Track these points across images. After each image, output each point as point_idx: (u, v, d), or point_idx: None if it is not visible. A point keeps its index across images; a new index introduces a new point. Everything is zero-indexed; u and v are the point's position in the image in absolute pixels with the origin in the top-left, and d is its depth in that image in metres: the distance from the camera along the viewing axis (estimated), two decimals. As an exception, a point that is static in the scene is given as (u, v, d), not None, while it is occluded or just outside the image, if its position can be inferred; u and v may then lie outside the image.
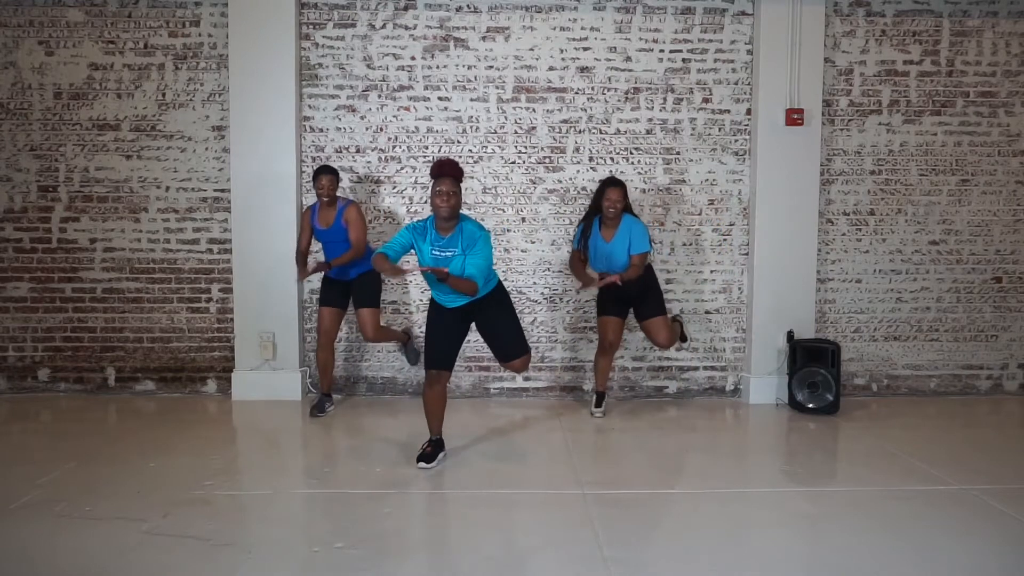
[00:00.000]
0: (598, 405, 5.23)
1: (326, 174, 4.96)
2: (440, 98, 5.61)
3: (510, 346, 4.17)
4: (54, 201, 5.60)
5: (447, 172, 3.91)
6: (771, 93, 5.49)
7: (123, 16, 5.52)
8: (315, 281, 5.61)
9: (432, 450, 4.13)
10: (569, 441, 4.53)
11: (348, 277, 5.05)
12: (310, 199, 5.58)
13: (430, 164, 5.56)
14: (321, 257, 5.20)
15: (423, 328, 5.61)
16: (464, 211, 5.61)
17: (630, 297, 5.05)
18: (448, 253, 3.93)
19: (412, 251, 4.04)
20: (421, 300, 5.67)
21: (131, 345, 5.67)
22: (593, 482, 3.89)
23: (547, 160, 5.65)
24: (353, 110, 5.60)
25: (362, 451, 4.45)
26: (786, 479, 4.09)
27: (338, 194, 5.06)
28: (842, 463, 4.48)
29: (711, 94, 5.65)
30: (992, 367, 5.88)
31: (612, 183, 4.96)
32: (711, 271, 5.73)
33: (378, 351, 5.68)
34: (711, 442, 4.75)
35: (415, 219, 5.61)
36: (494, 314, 4.15)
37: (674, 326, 5.29)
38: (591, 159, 5.66)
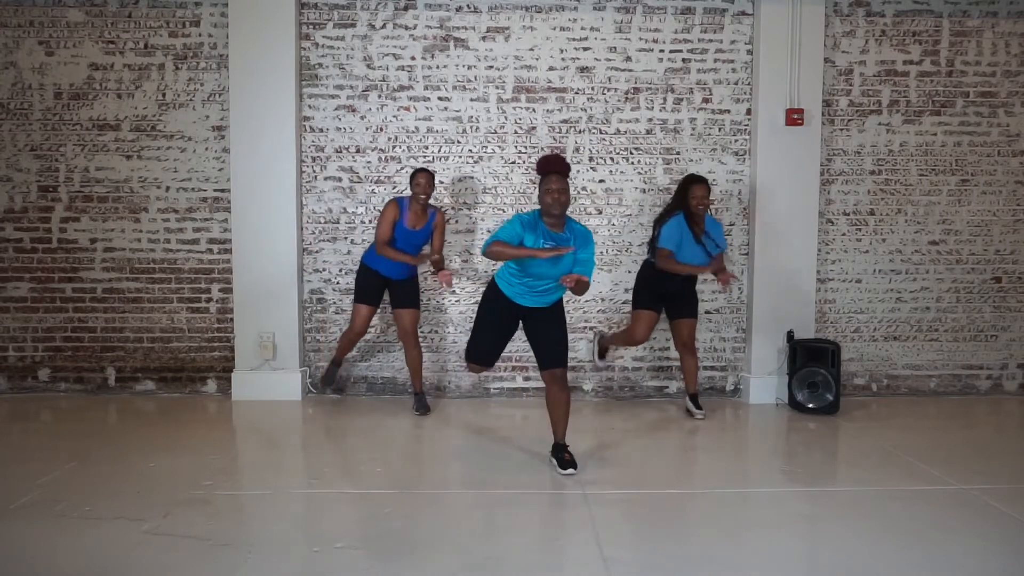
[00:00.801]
0: (602, 357, 5.46)
1: (424, 174, 4.94)
2: (440, 98, 5.61)
3: (555, 355, 4.00)
4: (54, 201, 5.60)
5: (555, 168, 3.83)
6: (771, 93, 5.49)
7: (123, 16, 5.52)
8: (316, 281, 5.62)
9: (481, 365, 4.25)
10: (569, 441, 4.52)
11: (403, 276, 5.06)
12: (311, 199, 5.59)
13: (434, 161, 5.58)
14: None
15: (421, 328, 5.62)
16: (464, 211, 5.66)
17: (673, 295, 5.05)
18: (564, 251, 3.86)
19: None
20: (422, 299, 5.66)
21: (131, 345, 5.67)
22: (593, 482, 3.89)
23: (547, 160, 5.65)
24: (353, 110, 5.60)
25: (362, 451, 4.45)
26: (786, 479, 4.09)
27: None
28: (842, 463, 4.49)
29: (711, 94, 5.65)
30: (992, 367, 5.89)
31: (698, 180, 4.92)
32: (711, 271, 5.72)
33: (379, 351, 5.68)
34: (711, 442, 4.75)
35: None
36: (549, 320, 4.02)
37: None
38: (591, 159, 5.66)
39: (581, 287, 3.76)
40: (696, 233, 4.90)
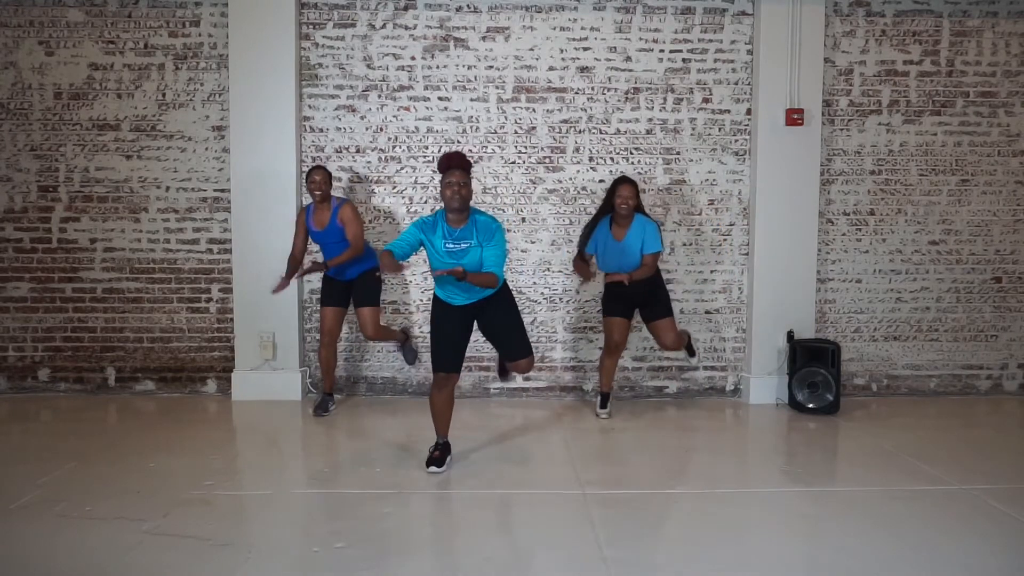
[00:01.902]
0: (603, 406, 5.21)
1: (319, 171, 4.96)
2: (440, 98, 5.61)
3: (516, 347, 4.08)
4: (54, 201, 5.60)
5: (455, 164, 3.87)
6: (771, 93, 5.49)
7: (123, 16, 5.52)
8: (315, 281, 5.61)
9: (440, 454, 4.07)
10: (569, 441, 4.53)
11: (348, 277, 5.04)
12: (310, 199, 5.58)
13: (435, 161, 5.58)
14: (319, 258, 5.20)
15: (423, 328, 5.62)
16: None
17: (636, 297, 5.02)
18: (464, 245, 3.86)
19: (421, 248, 3.94)
20: (421, 300, 5.67)
21: (131, 345, 5.67)
22: (593, 482, 3.89)
23: (547, 160, 5.65)
24: (353, 110, 5.60)
25: (362, 451, 4.45)
26: (786, 479, 4.09)
27: (332, 193, 5.05)
28: (842, 463, 4.48)
29: (711, 94, 5.65)
30: (992, 367, 5.88)
31: (623, 180, 4.96)
32: (711, 271, 5.73)
33: (378, 351, 5.68)
34: (711, 442, 4.75)
35: (416, 219, 5.63)
36: (500, 314, 4.06)
37: (682, 335, 5.28)
38: (591, 159, 5.66)
39: (471, 278, 3.74)
40: (617, 234, 4.92)
